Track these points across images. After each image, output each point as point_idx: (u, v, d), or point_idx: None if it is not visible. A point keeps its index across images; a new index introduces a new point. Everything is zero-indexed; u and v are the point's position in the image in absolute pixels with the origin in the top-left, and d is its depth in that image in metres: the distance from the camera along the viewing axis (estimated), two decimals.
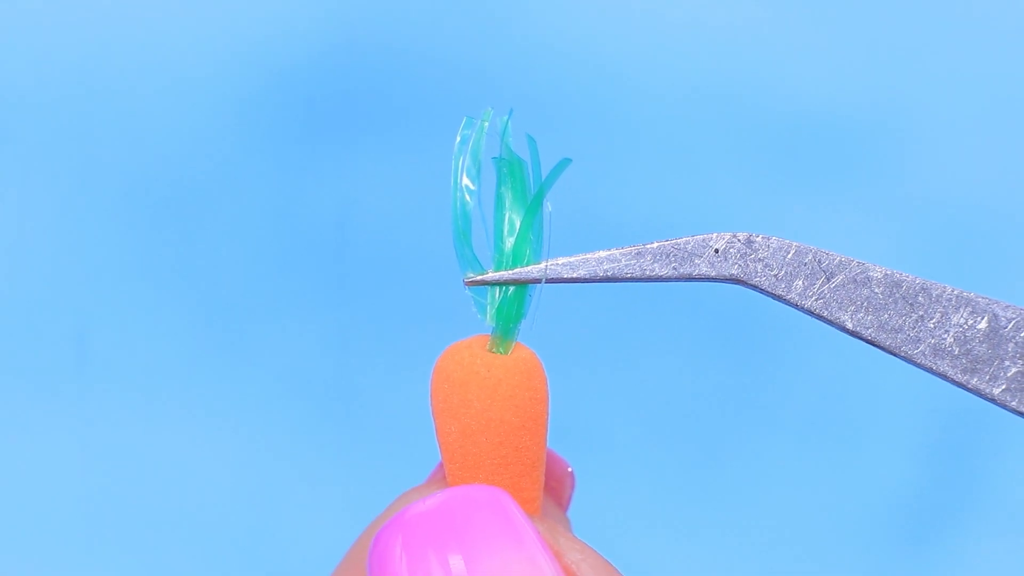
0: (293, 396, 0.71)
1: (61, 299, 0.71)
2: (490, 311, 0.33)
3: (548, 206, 0.33)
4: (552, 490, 0.39)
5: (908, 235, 0.72)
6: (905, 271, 0.73)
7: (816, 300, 0.33)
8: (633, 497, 0.72)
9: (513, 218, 0.33)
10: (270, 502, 0.71)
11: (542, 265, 0.33)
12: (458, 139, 0.33)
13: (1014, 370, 0.33)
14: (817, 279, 0.33)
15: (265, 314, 0.71)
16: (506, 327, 0.33)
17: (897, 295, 0.33)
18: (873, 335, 0.33)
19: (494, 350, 0.33)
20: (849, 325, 0.33)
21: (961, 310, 0.33)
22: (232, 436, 0.71)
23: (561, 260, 0.33)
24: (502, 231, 0.33)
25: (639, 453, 0.72)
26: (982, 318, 0.33)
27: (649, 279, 0.32)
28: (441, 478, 0.35)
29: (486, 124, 0.33)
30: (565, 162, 0.33)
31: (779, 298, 0.33)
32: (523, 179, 0.33)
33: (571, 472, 0.39)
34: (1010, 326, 0.33)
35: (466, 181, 0.33)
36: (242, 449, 0.71)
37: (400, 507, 0.34)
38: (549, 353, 0.71)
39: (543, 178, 0.33)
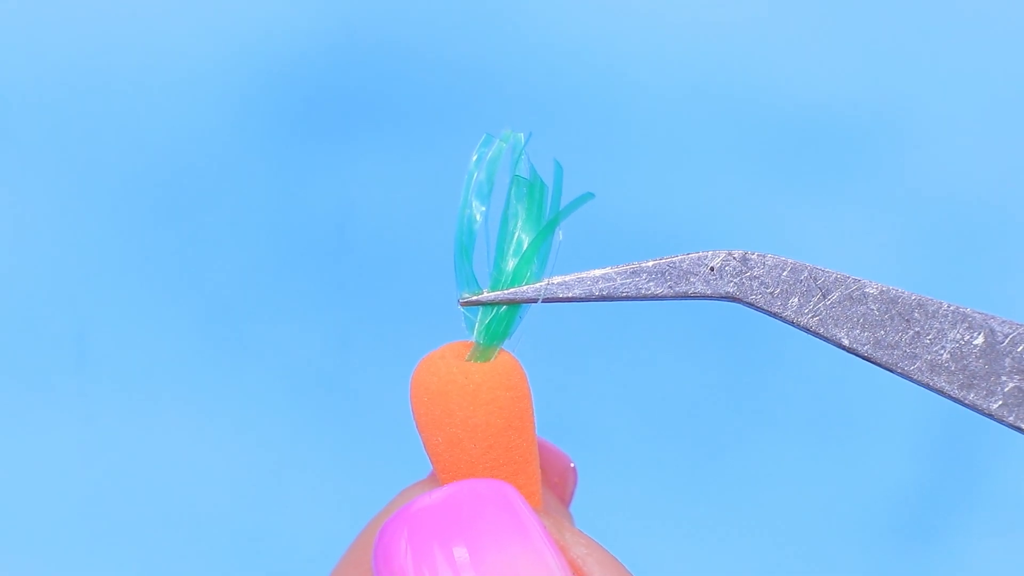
0: (293, 395, 0.71)
1: (61, 299, 0.71)
2: (478, 327, 0.33)
3: (559, 234, 0.33)
4: (555, 486, 0.39)
5: (908, 233, 0.72)
6: (905, 269, 0.73)
7: (812, 317, 0.33)
8: (633, 494, 0.72)
9: (522, 239, 0.33)
10: (270, 501, 0.71)
11: (538, 286, 0.33)
12: (474, 156, 0.33)
13: (1011, 385, 0.33)
14: (813, 296, 0.33)
15: (265, 314, 0.71)
16: (491, 343, 0.33)
17: (893, 311, 0.33)
18: (869, 352, 0.33)
19: (472, 360, 0.33)
20: (845, 342, 0.33)
21: (957, 326, 0.33)
22: (232, 435, 0.71)
23: (556, 279, 0.33)
24: (505, 250, 0.33)
25: (639, 450, 0.72)
26: (978, 334, 0.33)
27: (644, 298, 0.32)
28: None
29: (504, 145, 0.33)
30: (587, 196, 0.33)
31: (775, 316, 0.33)
32: (541, 202, 0.33)
33: (573, 468, 0.39)
34: (1006, 341, 0.33)
35: (476, 201, 0.33)
36: (242, 448, 0.71)
37: (403, 502, 0.34)
38: (549, 351, 0.71)
39: (561, 206, 0.33)
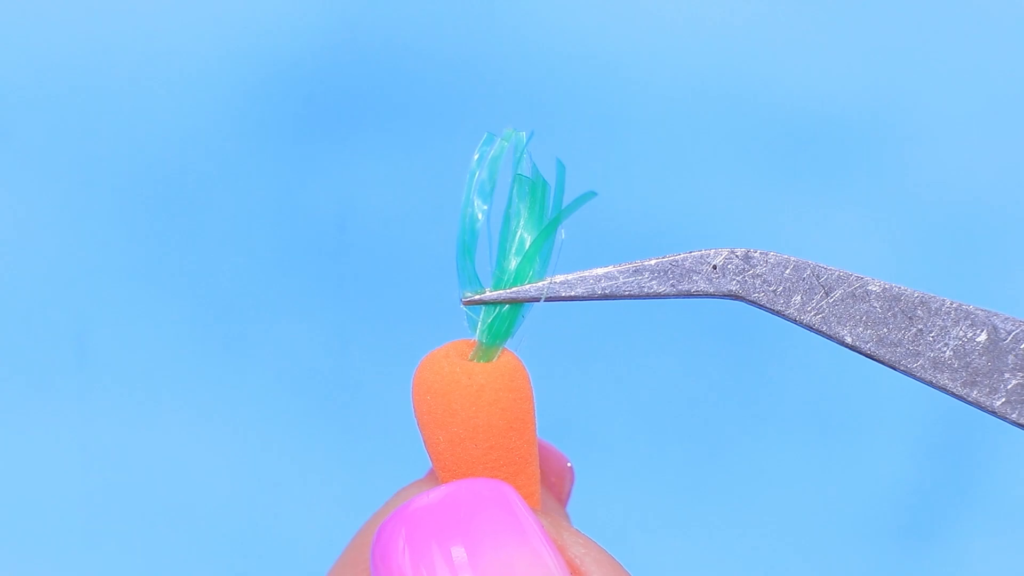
0: (293, 394, 0.71)
1: (61, 299, 0.71)
2: (481, 327, 0.33)
3: (562, 233, 0.33)
4: (552, 485, 0.39)
5: (910, 231, 0.72)
6: (907, 267, 0.73)
7: (815, 315, 0.33)
8: (632, 494, 0.72)
9: (524, 237, 0.33)
10: (270, 500, 0.71)
11: (540, 285, 0.33)
12: (476, 155, 0.33)
13: (1014, 382, 0.33)
14: (815, 294, 0.33)
15: (265, 314, 0.71)
16: (493, 343, 0.33)
17: (896, 309, 0.33)
18: (872, 349, 0.33)
19: (475, 359, 0.33)
20: (848, 340, 0.33)
21: (960, 323, 0.33)
22: (232, 435, 0.71)
23: (559, 278, 0.33)
24: (507, 249, 0.33)
25: (638, 450, 0.72)
26: (981, 331, 0.33)
27: (647, 296, 0.32)
28: None
29: (506, 144, 0.33)
30: (590, 194, 0.33)
31: (778, 313, 0.33)
32: (543, 201, 0.33)
33: (570, 467, 0.39)
34: (1010, 338, 0.33)
35: (478, 200, 0.33)
36: (242, 448, 0.71)
37: (400, 501, 0.34)
38: (549, 351, 0.71)
39: (563, 205, 0.33)
